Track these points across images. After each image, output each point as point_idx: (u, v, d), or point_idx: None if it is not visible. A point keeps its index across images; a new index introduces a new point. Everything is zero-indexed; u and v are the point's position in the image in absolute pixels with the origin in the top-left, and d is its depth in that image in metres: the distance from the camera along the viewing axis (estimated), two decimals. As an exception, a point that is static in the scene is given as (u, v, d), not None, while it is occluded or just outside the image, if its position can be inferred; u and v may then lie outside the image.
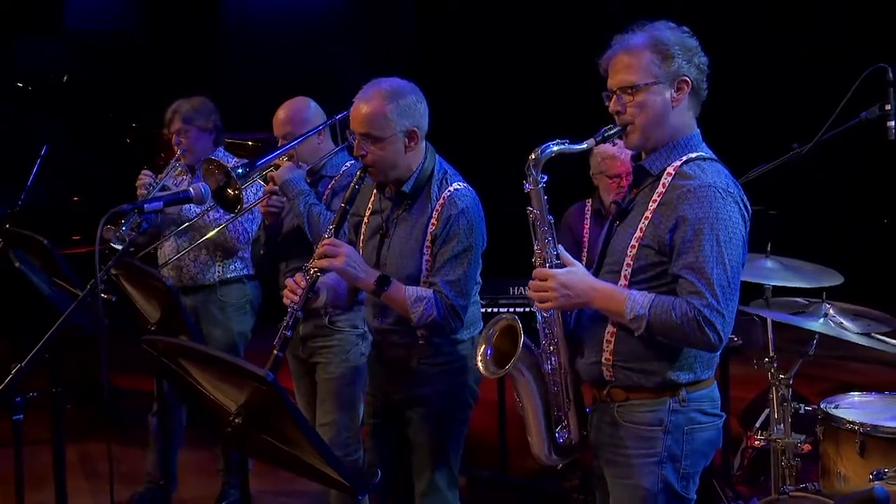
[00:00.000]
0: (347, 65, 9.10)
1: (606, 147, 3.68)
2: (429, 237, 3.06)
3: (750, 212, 2.54)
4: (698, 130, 2.62)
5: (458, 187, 3.10)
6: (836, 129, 3.31)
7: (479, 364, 2.76)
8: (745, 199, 2.53)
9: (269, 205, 3.82)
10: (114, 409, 5.96)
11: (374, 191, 3.25)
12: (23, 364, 2.54)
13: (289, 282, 3.01)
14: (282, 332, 2.93)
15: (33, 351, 2.57)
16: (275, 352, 2.90)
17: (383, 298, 3.02)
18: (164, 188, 4.49)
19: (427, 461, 3.20)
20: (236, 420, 2.23)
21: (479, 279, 3.21)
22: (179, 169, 4.63)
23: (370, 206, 3.25)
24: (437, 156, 3.18)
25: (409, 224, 3.12)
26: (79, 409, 5.71)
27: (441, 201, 3.07)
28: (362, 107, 3.03)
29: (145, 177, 4.47)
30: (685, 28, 2.59)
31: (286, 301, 3.00)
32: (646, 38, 2.55)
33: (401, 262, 3.09)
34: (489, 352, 2.77)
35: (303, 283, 2.96)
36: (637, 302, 2.46)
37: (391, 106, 3.00)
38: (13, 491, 2.91)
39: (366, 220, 3.26)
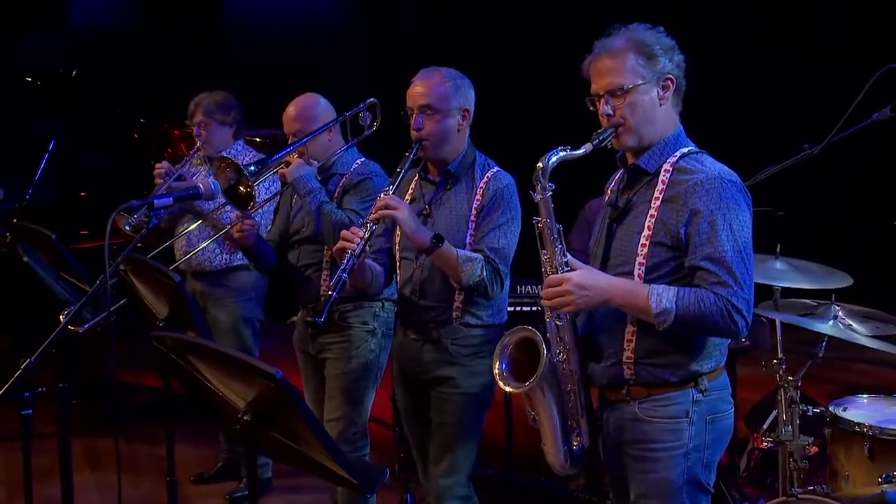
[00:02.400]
0: (347, 64, 9.09)
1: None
2: (474, 211, 3.20)
3: (750, 197, 2.56)
4: (682, 126, 2.65)
5: (500, 170, 3.28)
6: (846, 130, 3.29)
7: (499, 381, 2.73)
8: (744, 185, 2.57)
9: (241, 229, 3.70)
10: (119, 404, 5.96)
11: (413, 183, 3.34)
12: (32, 359, 2.54)
13: (344, 233, 3.08)
14: (339, 275, 3.00)
15: (43, 345, 2.57)
16: (330, 293, 2.98)
17: (435, 257, 3.10)
18: (180, 178, 4.59)
19: (450, 442, 3.25)
20: (245, 417, 2.22)
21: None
22: (198, 160, 4.79)
23: (407, 197, 3.33)
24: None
25: (453, 203, 3.24)
26: (85, 404, 5.71)
27: (486, 179, 3.23)
28: (423, 83, 3.24)
29: (162, 167, 4.58)
30: (660, 28, 2.62)
31: (338, 248, 3.06)
32: (627, 40, 2.56)
33: (447, 238, 3.11)
34: (504, 365, 2.72)
35: (360, 233, 3.04)
36: (662, 295, 2.45)
37: (451, 83, 3.25)
38: (21, 484, 2.92)
39: None
